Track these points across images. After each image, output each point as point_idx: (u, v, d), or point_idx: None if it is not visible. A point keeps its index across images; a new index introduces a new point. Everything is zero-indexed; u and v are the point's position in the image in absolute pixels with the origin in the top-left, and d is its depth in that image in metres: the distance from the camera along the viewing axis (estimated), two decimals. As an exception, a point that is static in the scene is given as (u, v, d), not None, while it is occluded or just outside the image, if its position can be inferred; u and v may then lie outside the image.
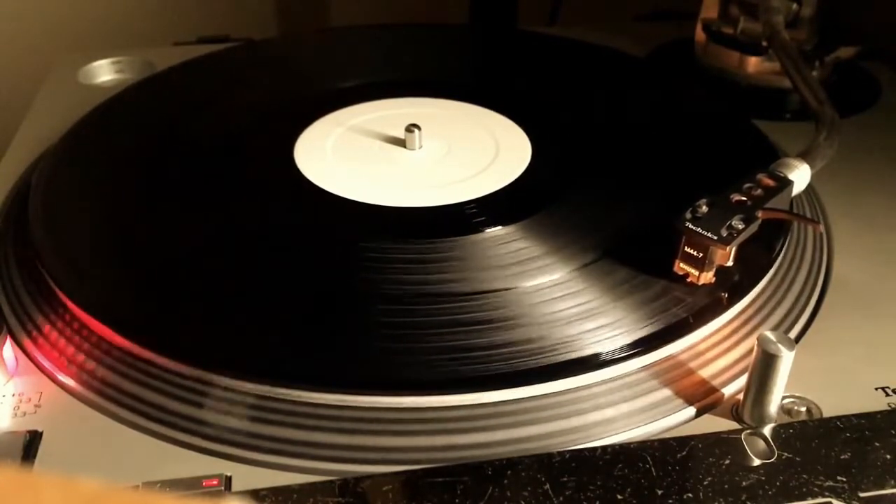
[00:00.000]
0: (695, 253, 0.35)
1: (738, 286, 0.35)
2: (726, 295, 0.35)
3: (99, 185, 0.43)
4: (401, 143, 0.46)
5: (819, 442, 0.30)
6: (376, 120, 0.49)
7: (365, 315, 0.34)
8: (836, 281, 0.39)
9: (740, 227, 0.34)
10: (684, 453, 0.29)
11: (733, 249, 0.35)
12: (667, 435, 0.31)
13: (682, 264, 0.35)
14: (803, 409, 0.32)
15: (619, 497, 0.27)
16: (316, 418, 0.31)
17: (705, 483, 0.28)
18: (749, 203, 0.36)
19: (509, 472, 0.28)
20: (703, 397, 0.32)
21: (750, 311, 0.36)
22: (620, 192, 0.43)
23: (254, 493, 0.28)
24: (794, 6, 0.55)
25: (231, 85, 0.53)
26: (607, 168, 0.45)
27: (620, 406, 0.32)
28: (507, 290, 0.35)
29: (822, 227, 0.42)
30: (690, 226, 0.34)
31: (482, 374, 0.31)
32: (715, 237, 0.34)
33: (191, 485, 0.29)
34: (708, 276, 0.35)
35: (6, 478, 0.15)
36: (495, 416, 0.31)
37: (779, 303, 0.37)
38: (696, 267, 0.35)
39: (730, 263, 0.35)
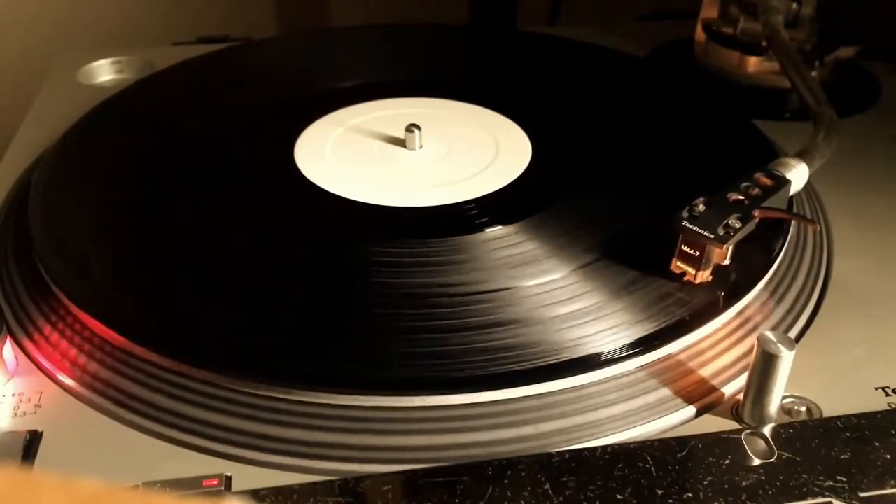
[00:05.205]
0: (692, 252, 0.35)
1: (738, 286, 0.35)
2: (726, 294, 0.35)
3: (99, 186, 0.43)
4: (401, 143, 0.46)
5: (819, 442, 0.30)
6: (376, 120, 0.49)
7: (364, 315, 0.34)
8: (836, 281, 0.39)
9: (737, 225, 0.34)
10: (684, 453, 0.29)
11: (730, 248, 0.35)
12: (667, 435, 0.31)
13: (679, 263, 0.35)
14: (803, 409, 0.32)
15: (619, 497, 0.28)
16: (316, 418, 0.31)
17: (705, 483, 0.28)
18: (746, 202, 0.36)
19: (509, 472, 0.28)
20: (703, 397, 0.32)
21: (750, 311, 0.36)
22: (620, 191, 0.43)
23: (254, 493, 0.28)
24: (794, 6, 0.55)
25: (231, 85, 0.53)
26: (607, 168, 0.45)
27: (620, 406, 0.32)
28: (506, 289, 0.35)
29: (819, 227, 0.42)
30: (687, 225, 0.34)
31: (482, 374, 0.31)
32: (712, 236, 0.34)
33: (191, 485, 0.29)
34: (705, 275, 0.35)
35: (6, 478, 0.15)
36: (495, 415, 0.31)
37: (778, 303, 0.37)
38: (693, 266, 0.35)
39: (727, 262, 0.35)
